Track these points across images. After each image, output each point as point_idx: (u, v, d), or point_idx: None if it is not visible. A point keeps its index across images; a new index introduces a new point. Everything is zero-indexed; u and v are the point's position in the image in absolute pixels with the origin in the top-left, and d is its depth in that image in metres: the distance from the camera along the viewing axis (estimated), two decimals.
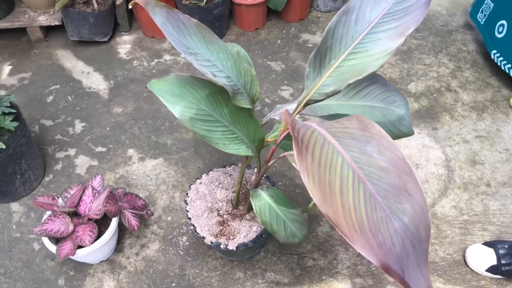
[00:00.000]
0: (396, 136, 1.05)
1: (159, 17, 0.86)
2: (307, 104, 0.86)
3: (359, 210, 0.61)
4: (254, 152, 1.01)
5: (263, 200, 1.08)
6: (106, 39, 2.18)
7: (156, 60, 2.10)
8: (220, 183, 1.33)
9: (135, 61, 2.10)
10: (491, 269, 1.27)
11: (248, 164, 1.34)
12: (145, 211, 1.34)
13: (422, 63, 2.06)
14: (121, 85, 1.98)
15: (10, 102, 1.39)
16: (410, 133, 1.05)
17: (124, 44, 2.21)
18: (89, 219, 1.26)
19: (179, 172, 1.62)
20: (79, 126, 1.80)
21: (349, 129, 0.70)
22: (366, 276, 1.31)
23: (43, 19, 2.14)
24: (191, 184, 1.33)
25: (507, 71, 1.84)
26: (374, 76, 1.04)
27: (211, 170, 1.37)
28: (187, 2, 2.02)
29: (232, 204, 1.29)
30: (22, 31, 2.22)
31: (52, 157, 1.68)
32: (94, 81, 2.01)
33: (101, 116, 1.84)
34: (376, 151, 0.66)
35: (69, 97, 1.93)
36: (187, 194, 1.31)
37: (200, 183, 1.34)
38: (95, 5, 2.07)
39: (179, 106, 0.91)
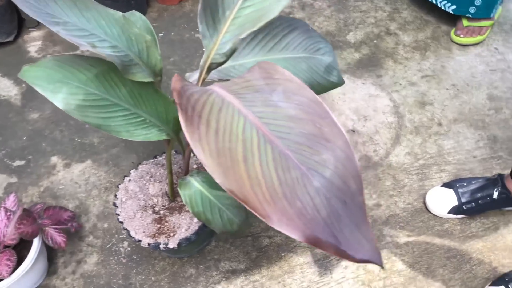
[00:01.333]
0: (327, 88, 0.95)
1: None
2: (210, 68, 0.74)
3: (269, 176, 0.50)
4: (171, 134, 0.90)
5: (193, 188, 0.97)
6: (11, 38, 1.97)
7: (72, 53, 1.91)
8: (152, 177, 1.21)
9: None
10: (453, 210, 1.22)
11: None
12: (70, 224, 1.20)
13: (358, 10, 1.98)
14: None
15: None
16: (340, 82, 0.96)
17: (34, 41, 2.01)
18: (6, 246, 1.11)
19: (111, 172, 1.48)
20: None
21: (252, 82, 0.59)
22: None
23: None
24: (119, 184, 1.21)
25: (442, 7, 1.78)
26: (294, 22, 0.94)
27: (140, 163, 1.24)
28: None
29: (169, 197, 1.18)
30: None
31: None
32: (3, 87, 1.81)
33: (16, 126, 1.66)
34: (283, 99, 0.56)
35: None
36: (115, 195, 1.18)
37: (129, 180, 1.21)
38: None
39: (61, 94, 0.76)
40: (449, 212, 1.23)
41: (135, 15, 0.88)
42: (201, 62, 0.75)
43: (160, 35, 1.91)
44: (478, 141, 1.43)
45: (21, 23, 2.05)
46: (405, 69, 1.70)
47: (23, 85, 1.80)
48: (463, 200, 1.21)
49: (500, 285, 1.08)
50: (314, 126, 0.54)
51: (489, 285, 1.10)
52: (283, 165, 0.51)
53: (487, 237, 1.22)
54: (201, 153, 0.51)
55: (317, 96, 0.55)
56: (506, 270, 1.15)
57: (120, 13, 0.82)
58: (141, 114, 0.84)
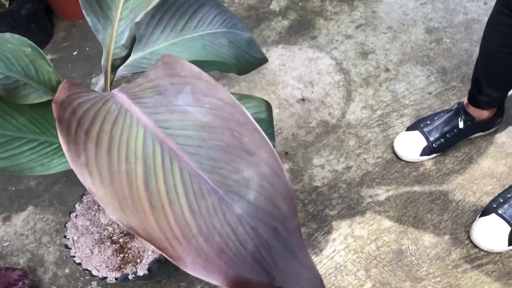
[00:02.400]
0: (254, 65, 0.86)
1: None
2: (115, 66, 0.62)
3: (178, 205, 0.40)
4: None
5: None
6: None
7: None
8: (100, 205, 1.07)
9: None
10: (424, 152, 1.17)
11: None
12: (21, 283, 1.05)
13: None
14: None
15: None
16: (264, 59, 0.86)
17: None
18: None
19: (58, 212, 1.33)
20: None
21: (155, 81, 0.47)
22: (308, 222, 1.15)
23: None
24: (66, 223, 1.06)
25: None
26: None
27: (83, 194, 1.10)
28: None
29: None
30: None
31: None
32: None
33: None
34: (192, 102, 0.45)
35: None
36: (65, 236, 1.04)
37: (76, 216, 1.07)
38: None
39: None
40: (421, 155, 1.17)
41: (5, 36, 0.74)
42: (102, 61, 0.62)
43: (74, 53, 1.74)
44: (428, 76, 1.39)
45: None
46: (338, 24, 1.63)
47: None
48: (431, 138, 1.16)
49: (490, 213, 1.03)
50: (231, 135, 0.43)
51: (480, 217, 1.05)
52: (195, 189, 0.41)
53: (464, 170, 1.17)
54: (89, 181, 0.39)
55: (233, 97, 0.44)
56: (491, 197, 1.11)
57: None
58: (53, 141, 0.70)
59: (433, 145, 1.16)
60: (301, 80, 1.47)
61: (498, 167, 1.17)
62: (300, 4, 1.74)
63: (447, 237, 1.07)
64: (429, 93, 1.35)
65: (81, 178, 0.40)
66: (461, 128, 1.15)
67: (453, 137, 1.16)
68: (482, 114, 1.15)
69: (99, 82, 0.80)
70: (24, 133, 0.66)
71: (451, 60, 1.42)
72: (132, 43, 0.58)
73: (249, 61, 0.85)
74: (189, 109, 0.44)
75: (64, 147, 0.40)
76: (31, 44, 0.69)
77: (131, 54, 0.76)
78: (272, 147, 0.43)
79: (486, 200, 1.11)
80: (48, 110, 0.69)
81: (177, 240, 0.38)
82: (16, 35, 0.75)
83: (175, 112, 0.44)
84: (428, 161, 1.20)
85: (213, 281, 0.38)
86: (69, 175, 1.40)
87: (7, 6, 1.62)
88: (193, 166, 0.42)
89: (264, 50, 1.60)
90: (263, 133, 0.43)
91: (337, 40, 1.57)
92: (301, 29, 1.64)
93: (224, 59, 0.80)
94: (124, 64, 0.68)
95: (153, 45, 0.73)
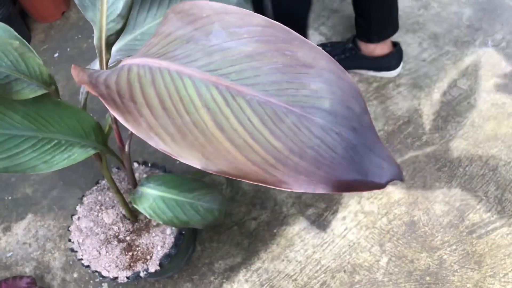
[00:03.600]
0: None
1: None
2: (109, 44, 0.55)
3: (260, 136, 0.38)
4: (98, 147, 0.69)
5: (150, 197, 0.79)
6: None
7: None
8: (102, 205, 1.00)
9: None
10: None
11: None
12: None
13: None
14: None
15: None
16: None
17: None
18: None
19: (59, 217, 1.25)
20: None
21: (175, 33, 0.44)
22: (316, 202, 1.09)
23: None
24: (69, 226, 0.99)
25: None
26: None
27: (83, 196, 1.02)
28: None
29: (129, 220, 0.97)
30: None
31: None
32: None
33: None
34: (228, 38, 0.42)
35: None
36: (69, 240, 0.97)
37: (78, 218, 0.99)
38: None
39: None
40: None
41: None
42: (95, 41, 0.55)
43: (55, 55, 1.64)
44: (420, 43, 1.32)
45: None
46: None
47: None
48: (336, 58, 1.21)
49: None
50: (283, 55, 0.40)
51: None
52: (270, 115, 0.39)
53: (467, 134, 1.12)
54: (162, 143, 0.38)
55: (269, 19, 0.41)
56: (498, 160, 1.06)
57: None
58: (52, 137, 0.63)
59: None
60: None
61: (501, 128, 1.11)
62: None
63: (458, 204, 1.02)
64: (423, 60, 1.28)
65: (152, 143, 0.38)
66: (347, 56, 1.20)
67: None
68: (368, 47, 1.18)
69: (94, 66, 0.73)
70: (21, 130, 0.60)
71: (442, 25, 1.35)
72: (128, 11, 0.52)
73: None
74: (228, 45, 0.42)
75: (121, 119, 0.39)
76: (18, 38, 0.62)
77: (121, 38, 0.69)
78: (328, 54, 0.42)
79: (493, 163, 1.06)
80: (42, 106, 0.62)
81: (273, 167, 0.38)
82: (1, 23, 0.67)
83: (214, 53, 0.42)
84: (431, 129, 1.14)
85: (321, 191, 0.38)
86: (66, 178, 1.32)
87: None
88: (259, 95, 0.40)
89: None
90: (313, 44, 0.42)
91: (323, 16, 1.49)
92: None
93: None
94: (115, 49, 0.60)
95: (142, 25, 0.66)
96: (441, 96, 1.19)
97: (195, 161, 0.37)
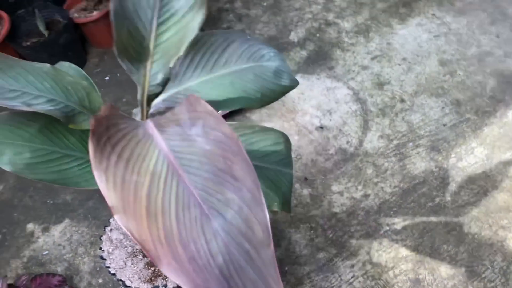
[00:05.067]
0: (281, 92, 0.83)
1: None
2: (150, 100, 0.62)
3: (168, 214, 0.42)
4: None
5: None
6: None
7: (5, 112, 1.69)
8: None
9: None
10: None
11: None
12: None
13: (293, 9, 1.84)
14: None
15: None
16: (294, 84, 0.83)
17: None
18: None
19: (92, 225, 1.29)
20: None
21: (178, 115, 0.51)
22: (327, 247, 1.09)
23: None
24: (102, 236, 1.02)
25: None
26: (231, 35, 0.81)
27: None
28: (28, 43, 1.61)
29: None
30: None
31: None
32: None
33: None
34: (201, 133, 0.48)
35: None
36: (100, 248, 1.00)
37: (111, 230, 1.02)
38: None
39: (5, 156, 0.63)
40: None
41: (64, 65, 0.73)
42: (138, 97, 0.64)
43: (106, 78, 1.71)
44: (443, 108, 1.33)
45: None
46: (354, 55, 1.58)
47: None
48: None
49: None
50: (225, 162, 0.44)
51: None
52: (184, 202, 0.42)
53: (479, 202, 1.10)
54: (104, 184, 0.41)
55: (234, 132, 0.46)
56: (507, 231, 1.04)
57: (48, 65, 0.67)
58: None
59: None
60: (320, 108, 1.42)
61: None
62: (317, 35, 1.69)
63: (463, 269, 1.00)
64: (444, 125, 1.28)
65: (98, 180, 0.42)
66: None
67: None
68: None
69: (138, 113, 0.78)
70: (73, 151, 0.67)
71: (465, 92, 1.35)
72: (165, 83, 0.58)
73: (274, 90, 0.82)
74: (198, 139, 0.47)
75: (91, 152, 0.42)
76: (87, 78, 0.70)
77: (168, 90, 0.74)
78: (257, 177, 0.44)
79: (502, 234, 1.04)
80: None
81: (160, 243, 0.39)
82: (73, 65, 0.76)
83: (186, 140, 0.47)
84: (444, 193, 1.13)
85: (182, 284, 0.38)
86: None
87: (46, 35, 1.60)
88: (187, 183, 0.44)
89: None
90: (251, 164, 0.44)
91: (353, 71, 1.51)
92: (319, 59, 1.59)
93: (250, 94, 0.78)
94: (160, 99, 0.65)
95: (187, 82, 0.71)
96: (458, 161, 1.18)
97: (116, 210, 0.40)
